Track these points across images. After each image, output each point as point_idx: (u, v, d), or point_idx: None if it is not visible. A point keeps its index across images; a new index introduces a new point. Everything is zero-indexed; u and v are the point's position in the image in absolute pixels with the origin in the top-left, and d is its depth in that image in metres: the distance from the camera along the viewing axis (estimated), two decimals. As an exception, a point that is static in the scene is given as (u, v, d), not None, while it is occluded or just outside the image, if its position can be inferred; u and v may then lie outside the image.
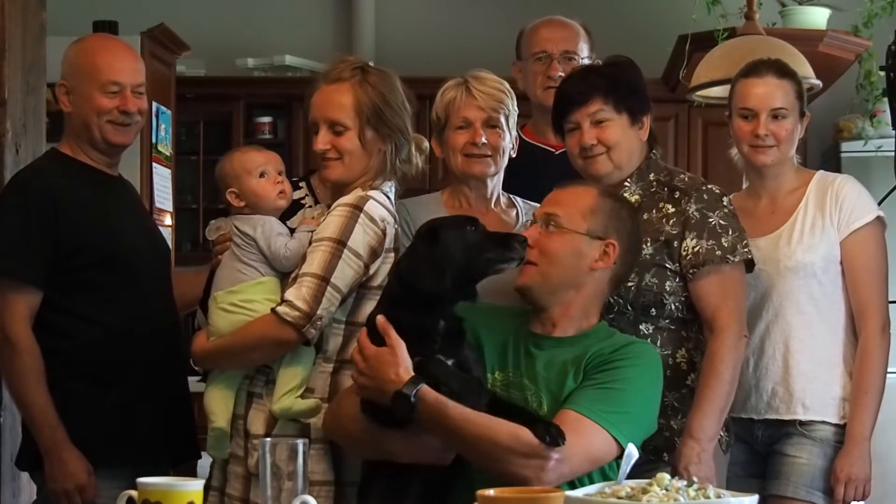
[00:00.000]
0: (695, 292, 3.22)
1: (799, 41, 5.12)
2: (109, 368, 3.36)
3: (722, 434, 3.25)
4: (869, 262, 3.51)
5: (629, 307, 3.19)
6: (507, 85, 3.53)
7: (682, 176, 3.34)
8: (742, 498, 2.30)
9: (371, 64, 3.31)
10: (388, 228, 3.15)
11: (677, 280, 3.22)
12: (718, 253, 3.20)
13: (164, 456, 3.36)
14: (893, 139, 5.56)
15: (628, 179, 3.30)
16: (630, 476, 2.49)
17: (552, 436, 2.73)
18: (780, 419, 3.49)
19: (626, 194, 3.28)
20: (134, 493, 2.30)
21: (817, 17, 6.27)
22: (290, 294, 3.09)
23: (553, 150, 3.85)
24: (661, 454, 3.21)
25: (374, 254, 3.13)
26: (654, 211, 3.27)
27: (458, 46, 6.64)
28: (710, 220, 3.23)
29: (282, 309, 3.09)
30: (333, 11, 7.40)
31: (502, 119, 3.44)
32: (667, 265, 3.21)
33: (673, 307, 3.22)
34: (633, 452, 2.84)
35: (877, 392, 3.46)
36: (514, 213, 3.53)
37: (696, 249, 3.20)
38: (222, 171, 3.37)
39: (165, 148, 6.23)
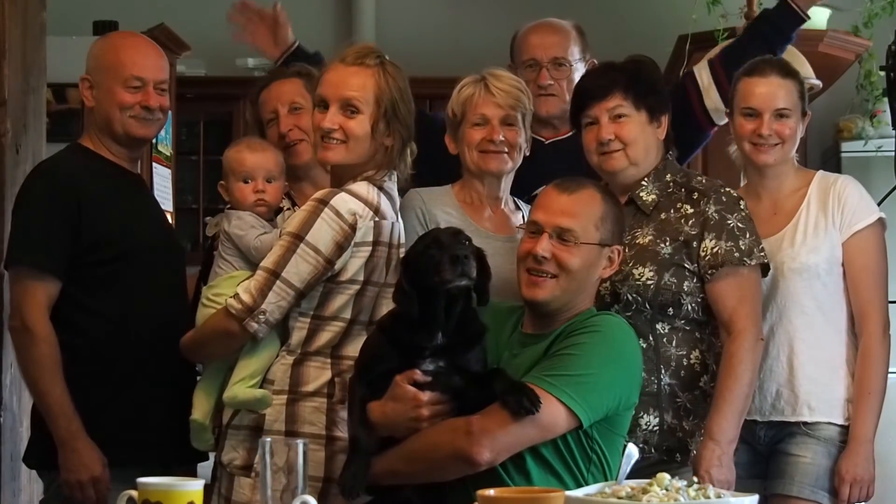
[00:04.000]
0: (712, 294, 3.23)
1: (799, 41, 5.10)
2: (122, 366, 3.37)
3: None
4: (870, 264, 3.51)
5: (647, 305, 3.21)
6: (524, 84, 3.53)
7: (700, 178, 3.36)
8: (742, 498, 2.30)
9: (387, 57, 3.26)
10: (359, 222, 3.07)
11: (695, 280, 3.23)
12: (737, 255, 3.22)
13: (173, 456, 3.35)
14: (893, 139, 5.56)
15: (645, 179, 3.31)
16: (641, 475, 2.49)
17: (524, 406, 2.71)
18: (784, 420, 3.48)
19: (642, 194, 3.30)
20: (134, 492, 2.31)
21: (817, 17, 6.25)
22: (241, 287, 3.10)
23: (543, 140, 3.84)
24: (673, 454, 3.22)
25: (340, 248, 3.07)
26: (671, 211, 3.29)
27: (458, 46, 6.64)
28: (729, 222, 3.25)
29: (229, 301, 3.09)
30: (333, 11, 7.40)
31: (519, 117, 3.44)
32: (685, 265, 3.23)
33: (689, 308, 3.23)
34: (633, 452, 2.84)
35: (879, 393, 3.46)
36: (521, 216, 3.53)
37: (714, 250, 3.22)
38: (223, 160, 3.43)
39: (166, 148, 6.23)
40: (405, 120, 3.17)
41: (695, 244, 3.23)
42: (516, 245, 3.29)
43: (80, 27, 6.05)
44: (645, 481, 2.37)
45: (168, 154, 6.27)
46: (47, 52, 4.28)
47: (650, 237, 3.26)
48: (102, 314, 3.38)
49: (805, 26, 6.14)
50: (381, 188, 3.15)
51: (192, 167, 7.08)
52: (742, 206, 3.30)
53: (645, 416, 3.19)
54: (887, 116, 5.96)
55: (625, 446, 2.92)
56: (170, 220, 6.08)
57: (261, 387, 3.13)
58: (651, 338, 3.22)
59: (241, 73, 7.11)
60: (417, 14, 7.39)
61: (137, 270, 3.41)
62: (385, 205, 3.14)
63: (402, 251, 3.17)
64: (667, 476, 2.36)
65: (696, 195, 3.29)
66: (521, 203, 3.57)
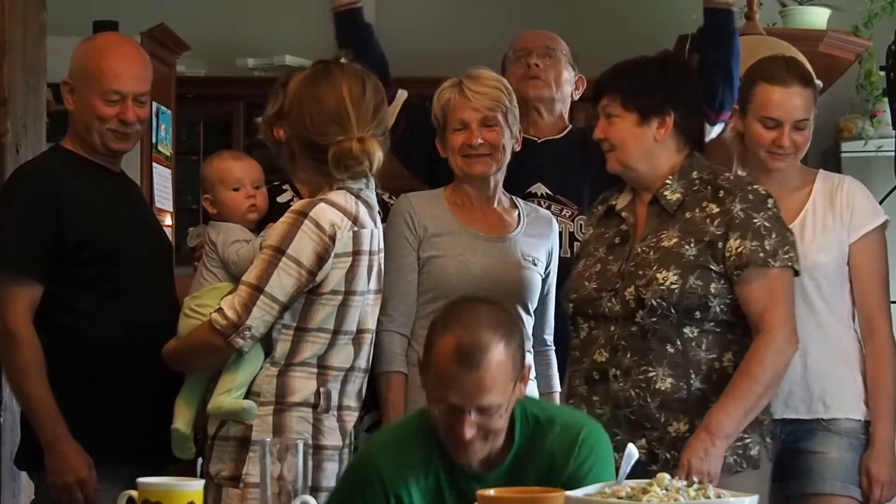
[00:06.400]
0: (742, 295, 3.13)
1: (799, 41, 5.13)
2: (110, 366, 3.36)
3: (768, 441, 3.20)
4: (877, 266, 3.51)
5: (672, 310, 3.11)
6: (505, 81, 3.52)
7: (727, 174, 3.27)
8: (742, 498, 2.30)
9: None
10: (338, 233, 3.06)
11: (722, 282, 3.13)
12: (761, 255, 3.12)
13: (165, 455, 3.34)
14: (893, 139, 5.56)
15: (670, 177, 3.23)
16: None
17: None
18: (798, 419, 3.45)
19: (667, 193, 3.21)
20: (134, 493, 2.31)
21: (817, 17, 6.27)
22: (225, 302, 3.08)
23: (535, 139, 3.83)
24: None
25: (321, 260, 3.06)
26: (696, 210, 3.19)
27: (458, 46, 6.63)
28: (755, 220, 3.15)
29: (214, 315, 3.08)
30: (333, 11, 7.39)
31: (499, 116, 3.43)
32: (711, 266, 3.13)
33: (718, 309, 3.13)
34: (633, 452, 2.83)
35: (894, 394, 3.45)
36: (517, 213, 3.54)
37: (739, 250, 3.12)
38: (202, 175, 3.45)
39: (165, 148, 6.24)
40: (297, 119, 3.16)
41: (720, 244, 3.13)
42: (508, 245, 3.39)
43: (80, 27, 6.03)
44: (645, 481, 2.37)
45: (168, 154, 6.27)
46: (47, 52, 4.28)
47: (675, 239, 3.16)
48: (89, 314, 3.36)
49: (805, 26, 6.20)
50: (358, 196, 3.15)
51: (192, 167, 7.06)
52: (770, 205, 3.20)
53: (674, 423, 3.11)
54: (887, 116, 5.96)
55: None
56: (166, 220, 6.12)
57: (245, 398, 3.12)
58: (679, 342, 3.12)
59: (241, 73, 7.12)
60: (417, 14, 7.39)
61: (123, 270, 3.39)
62: (363, 213, 3.14)
63: (381, 257, 3.18)
64: (667, 476, 2.35)
65: (721, 193, 3.18)
66: (517, 200, 3.57)
